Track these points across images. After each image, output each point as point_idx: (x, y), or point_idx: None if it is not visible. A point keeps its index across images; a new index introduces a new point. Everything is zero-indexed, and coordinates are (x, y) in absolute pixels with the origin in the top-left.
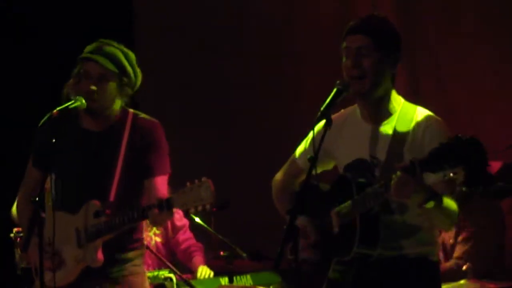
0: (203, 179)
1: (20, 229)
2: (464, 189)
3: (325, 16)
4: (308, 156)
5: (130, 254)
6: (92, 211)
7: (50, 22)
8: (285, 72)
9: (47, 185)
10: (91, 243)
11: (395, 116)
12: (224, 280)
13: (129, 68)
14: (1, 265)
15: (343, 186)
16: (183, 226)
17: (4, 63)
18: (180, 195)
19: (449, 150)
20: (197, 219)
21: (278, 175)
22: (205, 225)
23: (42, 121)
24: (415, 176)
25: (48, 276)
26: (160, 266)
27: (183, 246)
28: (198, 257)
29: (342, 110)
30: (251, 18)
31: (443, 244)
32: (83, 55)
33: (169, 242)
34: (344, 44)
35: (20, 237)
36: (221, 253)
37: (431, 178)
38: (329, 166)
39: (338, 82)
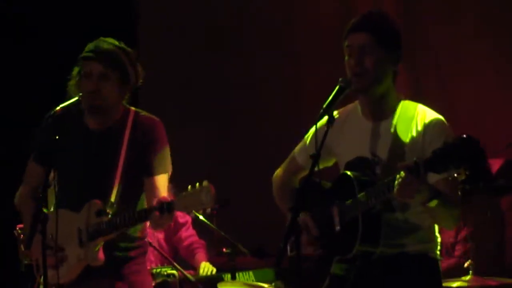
0: (204, 183)
1: (22, 225)
2: (467, 187)
3: (325, 16)
4: (310, 153)
5: (133, 253)
6: (94, 210)
7: (51, 22)
8: (285, 72)
9: (50, 182)
10: (92, 242)
11: (396, 113)
12: (227, 277)
13: (129, 66)
14: (5, 262)
15: (345, 184)
16: (186, 222)
17: (4, 63)
18: (181, 198)
19: (454, 151)
20: (200, 216)
21: (278, 172)
22: (208, 222)
23: (45, 118)
24: (419, 176)
25: (49, 273)
26: (163, 262)
27: (185, 243)
28: (200, 254)
29: (343, 108)
30: (251, 18)
31: (444, 243)
32: (83, 54)
33: (171, 239)
34: (346, 43)
35: (23, 234)
36: (224, 249)
37: (434, 177)
38: (330, 163)
39: (340, 79)
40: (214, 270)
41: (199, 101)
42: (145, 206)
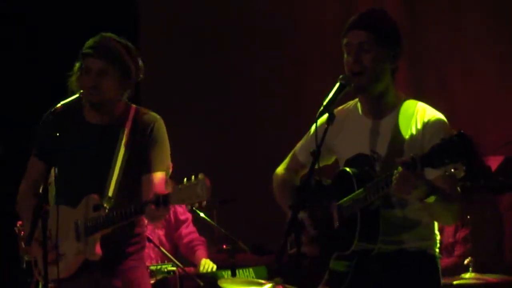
0: (200, 176)
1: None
2: (468, 184)
3: (325, 16)
4: (311, 150)
5: (131, 248)
6: (92, 204)
7: (50, 22)
8: (286, 72)
9: (51, 178)
10: (89, 236)
11: (396, 111)
12: (227, 274)
13: (129, 62)
14: (6, 259)
15: (344, 180)
16: (186, 219)
17: (4, 63)
18: (177, 191)
19: (451, 146)
20: (201, 214)
21: (279, 169)
22: (208, 219)
23: (46, 114)
24: (416, 171)
25: (48, 269)
26: (163, 259)
27: (186, 240)
28: (201, 251)
29: (343, 105)
30: (251, 17)
31: (443, 243)
32: (83, 50)
33: (172, 236)
34: (345, 40)
35: (24, 230)
36: (224, 246)
37: (432, 173)
38: (330, 160)
39: (341, 77)
40: (215, 267)
41: (199, 100)
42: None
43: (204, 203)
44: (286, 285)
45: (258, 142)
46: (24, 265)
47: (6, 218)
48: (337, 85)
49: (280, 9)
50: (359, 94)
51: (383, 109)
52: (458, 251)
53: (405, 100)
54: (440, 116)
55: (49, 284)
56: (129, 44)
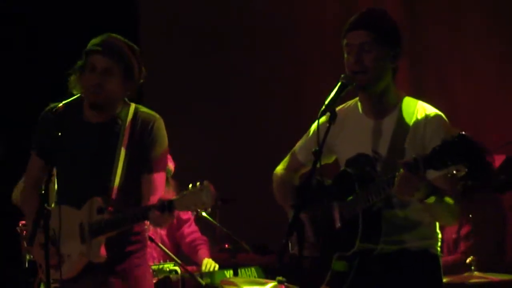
0: (205, 182)
1: (25, 222)
2: (469, 183)
3: (325, 16)
4: (312, 150)
5: (132, 247)
6: (95, 207)
7: (50, 22)
8: (286, 72)
9: (53, 178)
10: (94, 239)
11: (396, 110)
12: (229, 273)
13: (134, 62)
14: (8, 258)
15: (345, 180)
16: (188, 219)
17: (5, 63)
18: (182, 198)
19: (452, 148)
20: (203, 213)
21: (279, 168)
22: (210, 219)
23: (44, 112)
24: (418, 173)
25: (51, 269)
26: (165, 259)
27: (188, 239)
28: (203, 250)
29: (343, 105)
30: (251, 17)
31: (447, 239)
32: (89, 47)
33: (174, 235)
34: (346, 41)
35: (26, 230)
36: (226, 246)
37: (433, 174)
38: (330, 159)
39: (342, 76)
40: (217, 267)
41: (199, 100)
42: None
43: (209, 209)
44: (289, 285)
45: (258, 142)
46: (27, 265)
47: (7, 217)
48: (339, 84)
49: (280, 9)
50: (361, 93)
51: (384, 108)
52: (461, 248)
53: (405, 99)
54: (440, 114)
55: (53, 284)
56: (134, 46)
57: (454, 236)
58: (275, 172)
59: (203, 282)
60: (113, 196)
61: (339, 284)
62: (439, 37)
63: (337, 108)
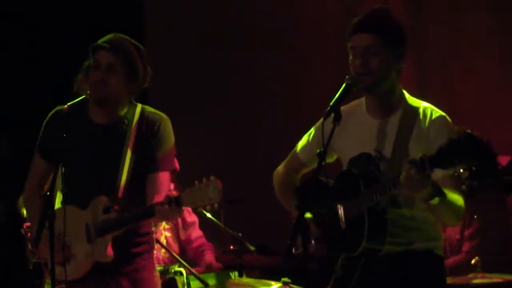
0: (212, 178)
1: (30, 224)
2: (475, 183)
3: (326, 16)
4: (315, 150)
5: (139, 249)
6: (101, 206)
7: (52, 22)
8: (286, 72)
9: (58, 179)
10: (100, 238)
11: (400, 110)
12: (234, 274)
13: (139, 62)
14: (12, 260)
15: (349, 180)
16: (194, 222)
17: (5, 63)
18: (189, 193)
19: (459, 146)
20: (208, 214)
21: (280, 168)
22: (215, 220)
23: (51, 113)
24: (425, 172)
25: (57, 270)
26: (171, 260)
27: (195, 244)
28: (209, 255)
29: (347, 104)
30: (252, 17)
31: (449, 239)
32: (95, 44)
33: (179, 237)
34: (350, 43)
35: (31, 232)
36: (231, 247)
37: (437, 174)
38: (332, 159)
39: (347, 77)
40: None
41: (200, 100)
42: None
43: (216, 205)
44: (294, 286)
45: (259, 142)
46: (31, 267)
47: (12, 219)
48: (344, 85)
49: (281, 9)
50: (365, 94)
51: (389, 108)
52: (465, 247)
53: (409, 99)
54: (444, 114)
55: (60, 286)
56: (141, 46)
57: (457, 236)
58: (275, 172)
59: (208, 283)
60: (120, 195)
61: (344, 285)
62: (444, 37)
63: (341, 108)
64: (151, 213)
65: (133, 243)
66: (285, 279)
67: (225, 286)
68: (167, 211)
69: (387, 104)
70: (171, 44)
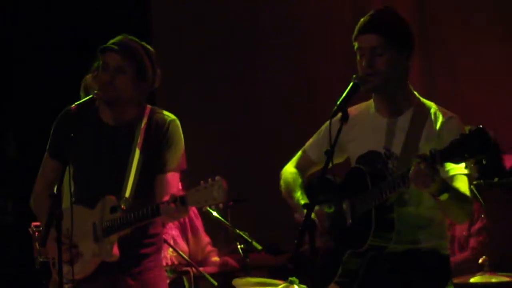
0: (217, 178)
1: (37, 223)
2: (482, 182)
3: (334, 15)
4: (324, 150)
5: (147, 250)
6: (109, 206)
7: (52, 21)
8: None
9: (66, 178)
10: (107, 238)
11: (410, 110)
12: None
13: (148, 64)
14: (20, 259)
15: (357, 177)
16: (199, 226)
17: (5, 63)
18: (194, 193)
19: (471, 140)
20: (214, 213)
21: (288, 167)
22: (222, 219)
23: (60, 114)
24: (435, 165)
25: (65, 269)
26: (179, 259)
27: (205, 250)
28: (213, 258)
29: (357, 105)
30: (257, 17)
31: (456, 237)
32: (104, 45)
33: (187, 236)
34: (357, 45)
35: (38, 231)
36: (238, 246)
37: (446, 172)
38: (342, 158)
39: (354, 76)
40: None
41: (209, 101)
42: None
43: (221, 205)
44: (301, 285)
45: (265, 142)
46: (38, 266)
47: (19, 218)
48: (351, 84)
49: (291, 9)
50: (373, 94)
51: (398, 107)
52: (471, 243)
53: (420, 100)
54: (456, 116)
55: (67, 284)
56: (150, 48)
57: (465, 233)
58: (283, 170)
59: (215, 283)
60: (127, 195)
61: (350, 281)
62: (453, 34)
63: (350, 108)
64: (157, 212)
65: (141, 244)
66: (292, 278)
67: (232, 285)
68: (173, 210)
69: (396, 103)
70: (178, 44)
